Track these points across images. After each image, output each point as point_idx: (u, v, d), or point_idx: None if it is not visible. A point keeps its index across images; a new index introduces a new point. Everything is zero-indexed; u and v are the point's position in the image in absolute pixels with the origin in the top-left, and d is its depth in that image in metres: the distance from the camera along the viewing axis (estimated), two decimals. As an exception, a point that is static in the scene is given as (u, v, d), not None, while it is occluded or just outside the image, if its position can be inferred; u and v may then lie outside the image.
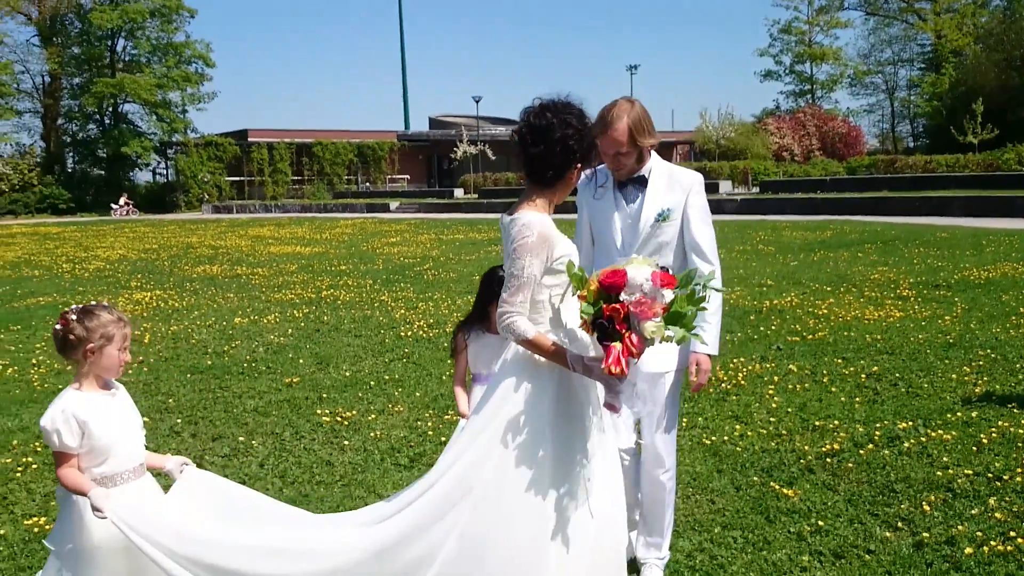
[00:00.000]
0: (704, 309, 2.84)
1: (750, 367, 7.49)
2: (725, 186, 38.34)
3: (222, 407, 6.84)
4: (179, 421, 6.44)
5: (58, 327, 2.92)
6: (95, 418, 2.87)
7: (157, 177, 58.25)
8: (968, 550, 3.92)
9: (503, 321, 2.89)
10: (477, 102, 57.00)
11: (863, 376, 7.04)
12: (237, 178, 54.73)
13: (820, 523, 4.29)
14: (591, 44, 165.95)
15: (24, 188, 49.34)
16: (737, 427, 5.88)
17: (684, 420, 6.06)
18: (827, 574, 3.83)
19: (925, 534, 4.11)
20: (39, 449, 5.82)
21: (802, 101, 64.56)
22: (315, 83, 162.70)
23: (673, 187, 3.65)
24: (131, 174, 56.35)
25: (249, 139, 55.75)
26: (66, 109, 55.52)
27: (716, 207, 31.69)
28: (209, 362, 8.49)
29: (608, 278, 2.75)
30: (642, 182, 3.64)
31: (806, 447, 5.41)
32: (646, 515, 3.84)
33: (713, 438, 5.65)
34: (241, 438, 5.98)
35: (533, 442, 2.86)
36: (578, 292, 2.83)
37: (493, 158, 54.05)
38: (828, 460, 5.17)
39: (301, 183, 56.45)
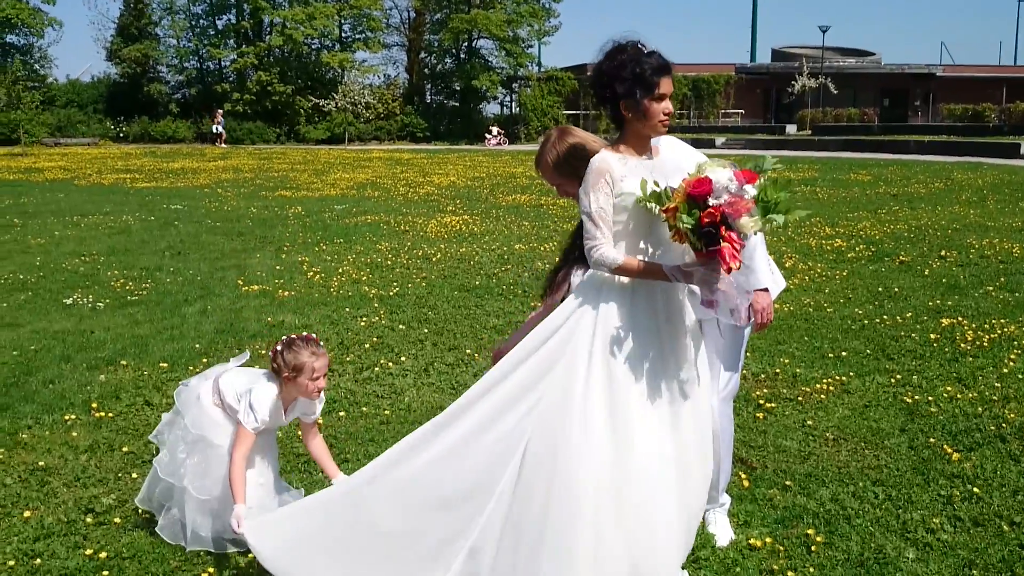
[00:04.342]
0: (794, 191, 2.92)
1: (1008, 329, 6.91)
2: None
3: (469, 323, 7.63)
4: (427, 331, 7.32)
5: (271, 353, 3.65)
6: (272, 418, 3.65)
7: (504, 109, 61.87)
8: None
9: (593, 255, 3.05)
10: (824, 32, 53.88)
11: None
12: (573, 112, 56.57)
13: (976, 490, 4.11)
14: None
15: (388, 116, 54.86)
16: (950, 388, 5.57)
17: (897, 376, 5.86)
18: (954, 538, 3.71)
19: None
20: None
21: None
22: (661, 17, 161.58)
23: None
24: (480, 107, 60.32)
25: (587, 73, 57.15)
26: (427, 43, 60.50)
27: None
28: (477, 282, 9.37)
29: (695, 188, 2.87)
30: None
31: (1012, 415, 5.05)
32: None
33: (916, 397, 5.43)
34: (469, 351, 6.70)
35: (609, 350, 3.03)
36: (663, 207, 2.93)
37: (835, 92, 50.96)
38: (1026, 431, 4.82)
39: (634, 117, 57.10)
